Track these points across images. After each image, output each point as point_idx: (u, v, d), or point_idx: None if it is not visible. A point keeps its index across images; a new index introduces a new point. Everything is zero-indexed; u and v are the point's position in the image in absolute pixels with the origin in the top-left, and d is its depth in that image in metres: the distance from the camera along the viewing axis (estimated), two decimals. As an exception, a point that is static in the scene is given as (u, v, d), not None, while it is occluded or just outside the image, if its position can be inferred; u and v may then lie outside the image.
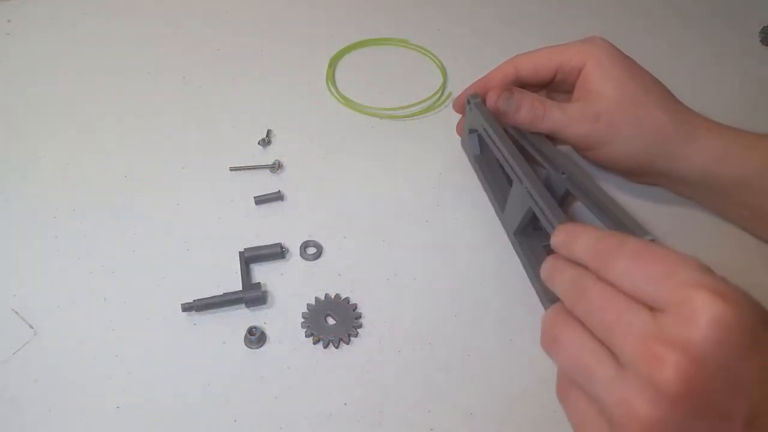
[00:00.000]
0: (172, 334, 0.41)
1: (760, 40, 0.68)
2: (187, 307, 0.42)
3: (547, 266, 0.33)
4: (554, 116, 0.44)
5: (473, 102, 0.48)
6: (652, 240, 0.36)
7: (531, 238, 0.45)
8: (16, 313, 0.42)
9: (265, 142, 0.54)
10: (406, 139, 0.55)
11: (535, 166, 0.43)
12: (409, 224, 0.49)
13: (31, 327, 0.41)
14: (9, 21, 0.65)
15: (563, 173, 0.42)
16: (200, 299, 0.42)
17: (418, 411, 0.38)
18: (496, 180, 0.49)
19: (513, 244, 0.47)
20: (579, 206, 0.50)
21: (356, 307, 0.43)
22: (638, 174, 0.49)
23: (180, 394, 0.39)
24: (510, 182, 0.44)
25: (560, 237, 0.32)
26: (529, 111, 0.44)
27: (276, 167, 0.52)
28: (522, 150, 0.45)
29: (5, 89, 0.58)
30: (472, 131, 0.51)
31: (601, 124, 0.44)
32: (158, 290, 0.44)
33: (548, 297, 0.42)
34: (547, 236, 0.39)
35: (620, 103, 0.44)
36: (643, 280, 0.27)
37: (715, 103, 0.60)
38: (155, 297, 0.43)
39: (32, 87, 0.58)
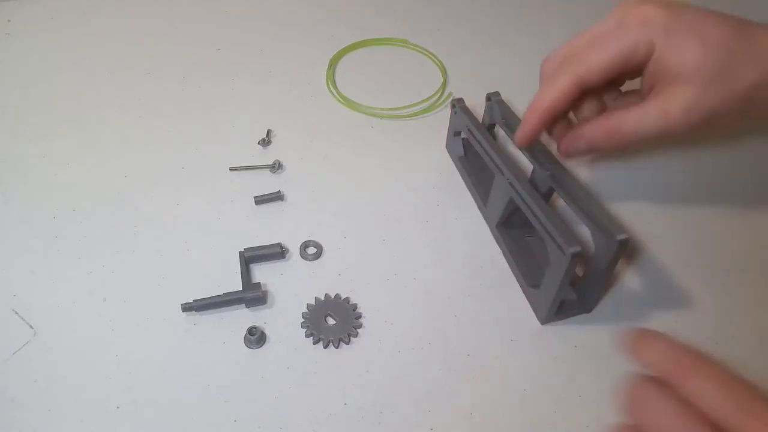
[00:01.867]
0: (172, 334, 0.41)
1: (760, 40, 0.68)
2: (187, 307, 0.42)
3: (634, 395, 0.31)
4: (634, 126, 0.40)
5: (458, 106, 0.50)
6: (627, 238, 0.36)
7: (512, 229, 0.47)
8: (16, 313, 0.42)
9: (265, 142, 0.54)
10: (406, 139, 0.55)
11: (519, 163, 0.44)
12: (409, 224, 0.49)
13: (31, 327, 0.41)
14: (9, 21, 0.65)
15: (547, 170, 0.42)
16: (200, 299, 0.42)
17: (418, 411, 0.38)
18: (480, 179, 0.50)
19: (495, 236, 0.48)
20: (562, 203, 0.50)
21: (356, 307, 0.43)
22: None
23: (180, 394, 0.39)
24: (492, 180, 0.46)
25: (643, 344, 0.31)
26: (602, 140, 0.41)
27: (276, 167, 0.52)
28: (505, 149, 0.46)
29: (5, 89, 0.58)
30: (456, 134, 0.53)
31: (695, 113, 0.39)
32: (158, 290, 0.44)
33: (528, 282, 0.44)
34: (527, 228, 0.40)
35: (708, 85, 0.39)
36: (720, 405, 0.27)
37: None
38: (155, 297, 0.43)
39: (32, 87, 0.58)
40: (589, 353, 0.42)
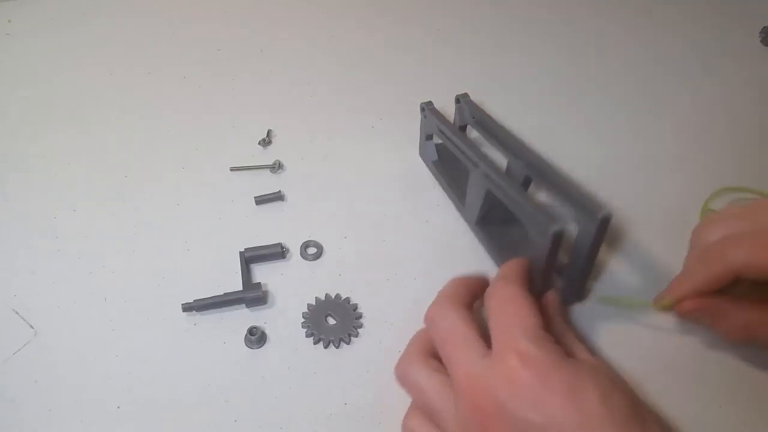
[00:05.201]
0: (172, 334, 0.41)
1: (760, 40, 0.68)
2: (188, 307, 0.42)
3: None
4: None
5: (428, 109, 0.50)
6: (609, 215, 0.35)
7: (492, 226, 0.46)
8: (16, 313, 0.42)
9: (265, 142, 0.54)
10: (407, 139, 0.55)
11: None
12: (409, 224, 0.49)
13: (31, 327, 0.41)
14: (9, 21, 0.65)
15: (522, 159, 0.42)
16: (200, 299, 0.42)
17: (418, 411, 0.38)
18: (455, 180, 0.50)
19: (476, 233, 0.47)
20: (540, 196, 0.50)
21: (356, 307, 0.43)
22: None
23: (180, 394, 0.39)
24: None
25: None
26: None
27: (276, 167, 0.52)
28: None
29: (5, 89, 0.58)
30: (428, 138, 0.52)
31: None
32: (158, 290, 0.44)
33: None
34: (507, 223, 0.39)
35: None
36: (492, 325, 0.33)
37: (715, 103, 0.60)
38: (155, 297, 0.43)
39: (32, 87, 0.58)
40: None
